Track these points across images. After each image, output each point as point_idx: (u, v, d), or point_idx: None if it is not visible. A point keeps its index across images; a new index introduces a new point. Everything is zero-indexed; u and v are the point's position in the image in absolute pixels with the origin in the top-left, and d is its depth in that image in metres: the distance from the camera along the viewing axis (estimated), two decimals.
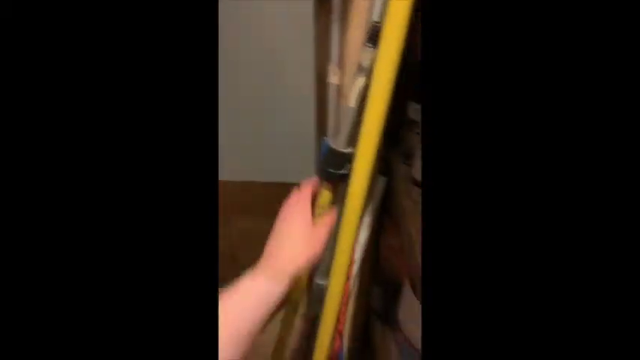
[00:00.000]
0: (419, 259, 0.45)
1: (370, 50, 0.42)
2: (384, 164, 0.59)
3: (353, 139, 0.48)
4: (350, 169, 0.49)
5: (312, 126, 0.60)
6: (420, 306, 0.55)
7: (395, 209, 0.64)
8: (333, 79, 0.48)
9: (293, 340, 0.85)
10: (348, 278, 0.58)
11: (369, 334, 0.84)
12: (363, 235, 0.63)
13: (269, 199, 0.55)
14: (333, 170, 0.49)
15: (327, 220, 0.48)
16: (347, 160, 0.49)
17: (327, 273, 0.64)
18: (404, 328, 0.60)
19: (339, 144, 0.49)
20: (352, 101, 0.45)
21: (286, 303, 0.82)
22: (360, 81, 0.44)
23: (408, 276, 0.58)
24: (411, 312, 0.58)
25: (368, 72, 0.43)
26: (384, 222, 0.73)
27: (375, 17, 0.42)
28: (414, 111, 0.54)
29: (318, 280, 0.64)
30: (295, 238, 0.41)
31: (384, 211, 0.70)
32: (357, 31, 0.48)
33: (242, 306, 0.34)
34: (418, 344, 0.57)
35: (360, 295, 0.75)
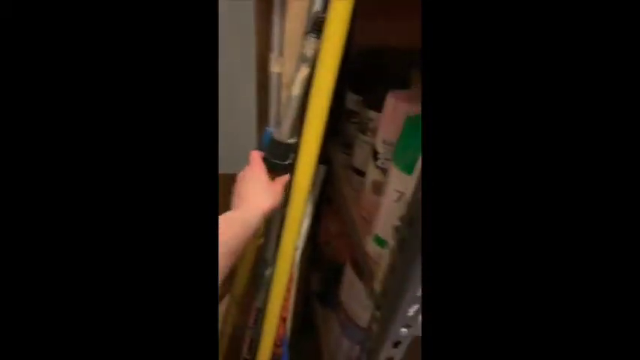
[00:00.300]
0: (361, 241, 0.48)
1: (314, 40, 0.42)
2: (324, 153, 0.60)
3: (297, 129, 0.49)
4: (294, 159, 0.50)
5: (254, 115, 0.58)
6: (362, 284, 0.59)
7: (336, 196, 0.67)
8: (275, 67, 0.47)
9: (230, 329, 0.84)
10: (291, 266, 0.60)
11: (309, 317, 0.87)
12: (305, 222, 0.64)
13: None
14: (279, 161, 0.49)
15: (282, 179, 0.51)
16: (291, 150, 0.49)
17: (271, 262, 0.64)
18: (347, 308, 0.64)
19: (282, 134, 0.49)
20: (296, 90, 0.45)
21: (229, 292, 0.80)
22: (304, 70, 0.44)
23: (350, 257, 0.62)
24: (352, 291, 0.62)
25: (311, 62, 0.44)
26: (322, 209, 0.76)
27: (318, 7, 0.42)
28: (352, 101, 0.56)
29: (262, 270, 0.64)
30: (257, 190, 0.46)
31: (323, 198, 0.73)
32: (296, 21, 0.48)
33: (230, 228, 0.40)
34: (360, 321, 0.61)
35: (299, 281, 0.77)
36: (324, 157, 0.62)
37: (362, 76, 0.54)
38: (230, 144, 0.81)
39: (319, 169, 0.63)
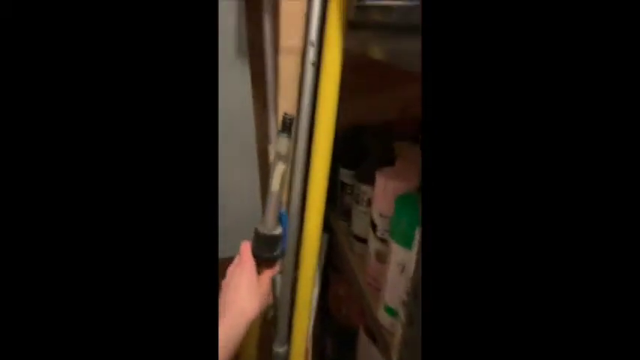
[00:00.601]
0: (371, 309, 0.50)
1: (285, 139, 0.47)
2: (325, 222, 0.64)
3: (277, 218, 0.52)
4: (283, 250, 0.53)
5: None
6: (377, 350, 0.59)
7: (341, 263, 0.69)
8: (272, 155, 0.52)
9: None
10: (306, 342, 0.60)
11: None
12: (315, 291, 0.66)
13: None
14: (268, 255, 0.50)
15: (270, 272, 0.50)
16: (278, 241, 0.52)
17: (285, 340, 0.64)
18: None
19: (267, 227, 0.51)
20: (275, 186, 0.49)
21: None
22: (281, 167, 0.48)
23: (362, 323, 0.62)
24: (368, 357, 0.62)
25: (286, 159, 0.48)
26: (329, 275, 0.77)
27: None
28: (345, 175, 0.61)
29: (277, 348, 0.64)
30: (243, 295, 0.45)
31: (328, 264, 0.74)
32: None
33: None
34: None
35: (313, 348, 0.76)
36: (326, 226, 0.65)
37: (349, 152, 0.59)
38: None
39: (322, 238, 0.66)
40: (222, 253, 0.58)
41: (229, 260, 0.52)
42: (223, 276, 0.49)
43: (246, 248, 0.50)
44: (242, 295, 0.45)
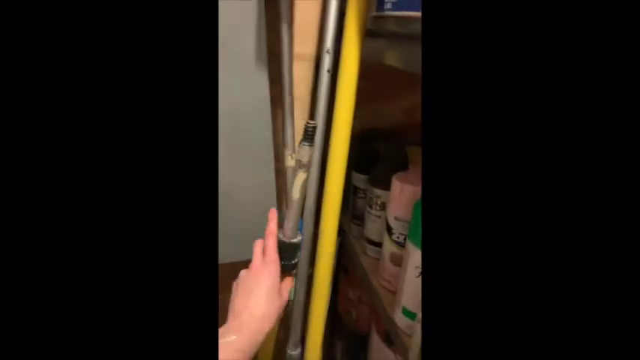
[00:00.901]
0: (387, 312, 0.50)
1: (308, 148, 0.48)
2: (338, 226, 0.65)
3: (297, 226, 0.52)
4: (300, 257, 0.53)
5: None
6: (392, 353, 0.59)
7: (352, 266, 0.70)
8: (289, 162, 0.53)
9: None
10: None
11: None
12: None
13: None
14: (286, 262, 0.50)
15: (289, 280, 0.49)
16: (297, 249, 0.52)
17: (298, 342, 0.65)
18: None
19: (287, 235, 0.51)
20: (296, 194, 0.50)
21: None
22: (302, 176, 0.49)
23: (375, 326, 0.63)
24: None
25: (307, 167, 0.49)
26: (338, 278, 0.78)
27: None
28: (357, 179, 0.62)
29: (290, 351, 0.64)
30: (262, 298, 0.43)
31: (338, 267, 0.75)
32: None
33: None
34: None
35: (322, 350, 0.77)
36: (338, 230, 0.66)
37: (361, 156, 0.60)
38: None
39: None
40: (227, 258, 0.58)
41: (234, 264, 0.51)
42: (226, 279, 0.48)
43: (271, 251, 0.46)
44: (264, 300, 0.43)
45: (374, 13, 0.41)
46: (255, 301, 0.42)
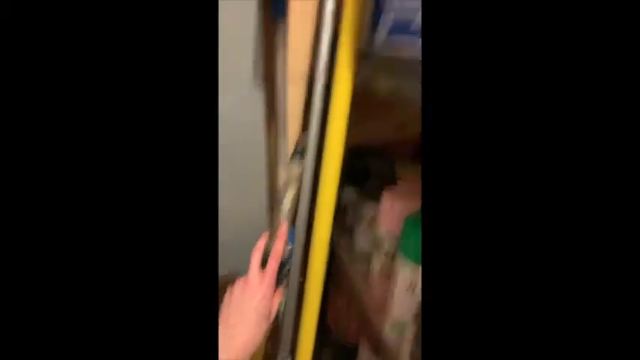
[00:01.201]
0: (375, 325, 0.51)
1: (297, 164, 0.50)
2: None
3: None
4: (291, 263, 0.54)
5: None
6: None
7: (341, 278, 0.71)
8: (282, 177, 0.54)
9: None
10: None
11: None
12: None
13: None
14: (279, 274, 0.51)
15: (278, 294, 0.49)
16: (287, 261, 0.53)
17: (288, 352, 0.65)
18: None
19: None
20: (287, 206, 0.52)
21: None
22: (292, 191, 0.51)
23: (364, 338, 0.64)
24: None
25: (297, 182, 0.51)
26: (327, 289, 0.78)
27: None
28: (348, 193, 0.63)
29: None
30: (248, 319, 0.43)
31: (327, 279, 0.76)
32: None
33: None
34: None
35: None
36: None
37: (352, 170, 0.62)
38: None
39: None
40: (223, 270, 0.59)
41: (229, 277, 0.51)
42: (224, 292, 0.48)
43: (271, 272, 0.46)
44: (253, 320, 0.43)
45: (367, 35, 0.42)
46: (246, 322, 0.43)
